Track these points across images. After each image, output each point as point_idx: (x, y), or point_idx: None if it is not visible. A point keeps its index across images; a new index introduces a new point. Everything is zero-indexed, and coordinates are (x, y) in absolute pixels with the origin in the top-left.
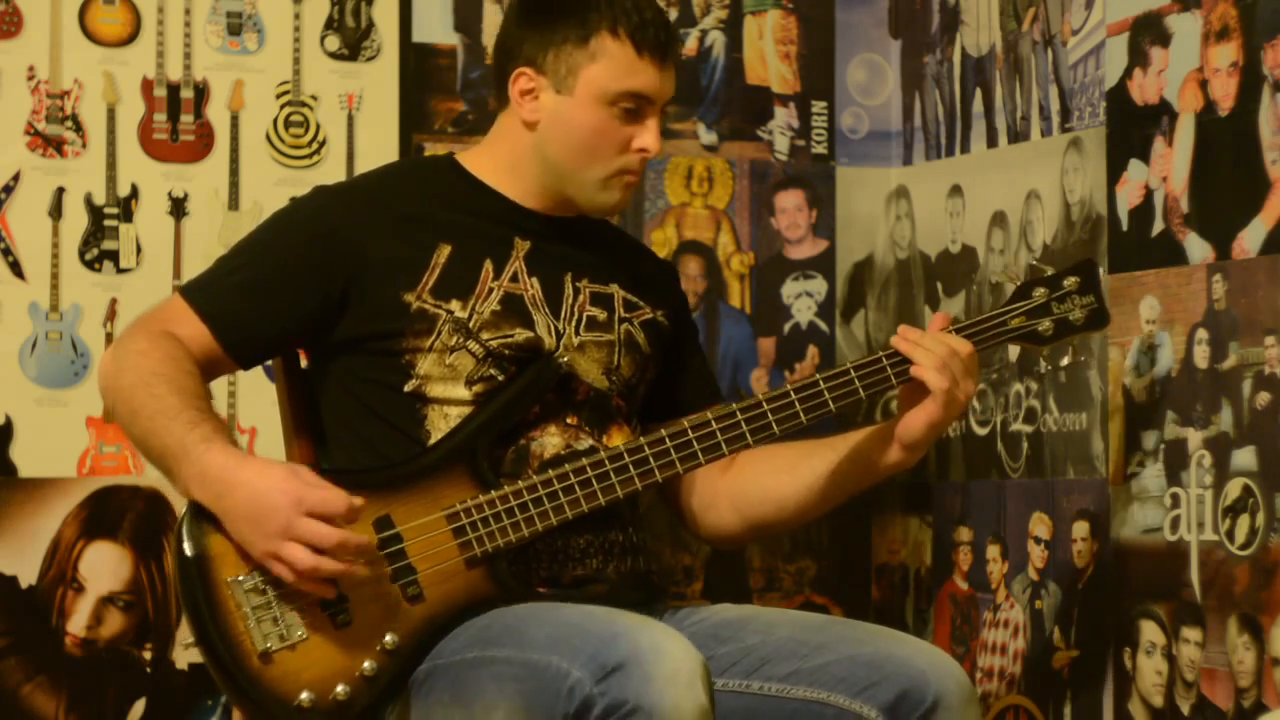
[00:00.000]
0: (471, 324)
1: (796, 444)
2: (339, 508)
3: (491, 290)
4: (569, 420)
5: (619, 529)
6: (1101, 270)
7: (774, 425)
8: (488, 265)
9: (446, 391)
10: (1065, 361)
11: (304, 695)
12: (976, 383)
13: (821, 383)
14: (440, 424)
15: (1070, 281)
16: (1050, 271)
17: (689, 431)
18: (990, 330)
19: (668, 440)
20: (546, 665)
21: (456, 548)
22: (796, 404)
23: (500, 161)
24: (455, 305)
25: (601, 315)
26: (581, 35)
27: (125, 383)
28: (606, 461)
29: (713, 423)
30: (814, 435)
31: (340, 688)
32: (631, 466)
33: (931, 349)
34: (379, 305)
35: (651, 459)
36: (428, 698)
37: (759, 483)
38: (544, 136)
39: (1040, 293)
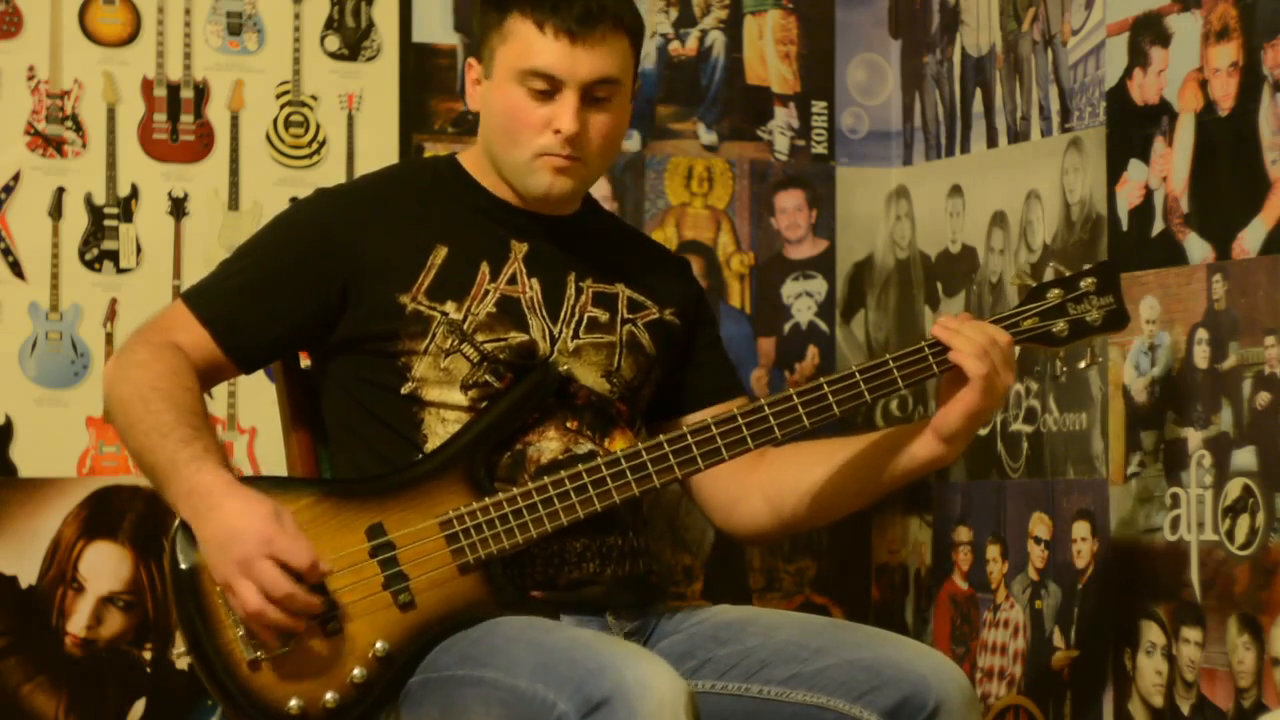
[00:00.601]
0: (466, 326)
1: (832, 440)
2: (303, 562)
3: (488, 292)
4: (569, 424)
5: (618, 533)
6: None
7: (775, 430)
8: (484, 267)
9: (442, 395)
10: (1083, 365)
11: (293, 702)
12: (1015, 375)
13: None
14: (437, 428)
15: (1087, 283)
16: (1066, 273)
17: (688, 436)
18: None
19: (666, 445)
20: (533, 695)
21: (449, 554)
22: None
23: (482, 160)
24: (450, 307)
25: (603, 316)
26: (499, 19)
27: (124, 394)
28: (603, 467)
29: (712, 427)
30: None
31: (329, 695)
32: (629, 472)
33: (971, 336)
34: (375, 306)
35: (649, 464)
36: (418, 710)
37: (793, 475)
38: (483, 123)
39: (1055, 294)
